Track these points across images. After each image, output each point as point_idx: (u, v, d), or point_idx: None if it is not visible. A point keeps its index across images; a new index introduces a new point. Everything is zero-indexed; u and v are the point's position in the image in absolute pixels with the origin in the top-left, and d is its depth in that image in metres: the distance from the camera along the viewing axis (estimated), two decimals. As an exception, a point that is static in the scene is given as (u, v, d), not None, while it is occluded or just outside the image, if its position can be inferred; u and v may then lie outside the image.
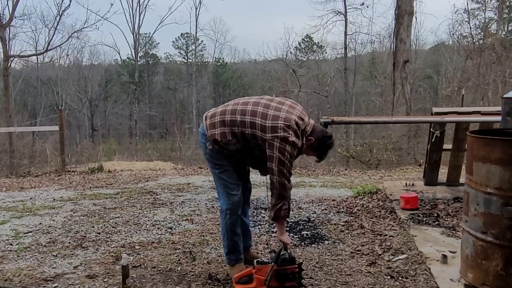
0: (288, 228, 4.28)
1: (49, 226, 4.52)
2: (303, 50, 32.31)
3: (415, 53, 22.47)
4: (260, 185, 6.19)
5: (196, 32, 36.07)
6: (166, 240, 4.00)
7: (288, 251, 2.91)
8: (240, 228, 3.16)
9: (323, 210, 4.96)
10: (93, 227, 4.47)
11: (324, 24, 29.37)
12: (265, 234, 4.10)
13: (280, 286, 2.88)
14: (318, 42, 30.75)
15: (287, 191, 2.82)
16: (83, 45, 32.59)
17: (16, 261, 3.57)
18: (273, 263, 2.82)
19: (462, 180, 5.18)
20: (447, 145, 5.55)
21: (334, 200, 5.41)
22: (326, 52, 31.09)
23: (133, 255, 3.61)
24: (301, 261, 3.03)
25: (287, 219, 3.04)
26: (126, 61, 35.76)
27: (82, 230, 4.35)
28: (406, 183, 5.84)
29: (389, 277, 3.08)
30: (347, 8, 24.47)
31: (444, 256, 3.22)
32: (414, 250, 3.53)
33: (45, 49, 18.71)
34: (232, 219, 3.06)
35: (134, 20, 31.36)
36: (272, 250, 3.02)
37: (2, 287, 3.05)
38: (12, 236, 4.22)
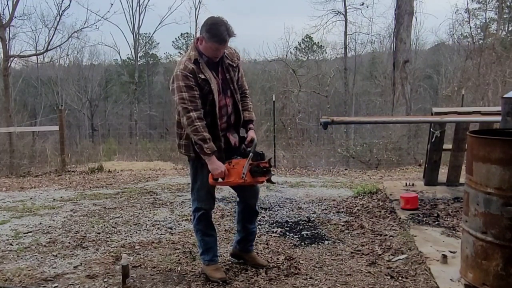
0: (288, 228, 4.29)
1: (49, 226, 4.52)
2: (303, 50, 32.17)
3: (415, 53, 22.46)
4: (259, 185, 6.17)
5: (196, 32, 35.97)
6: (166, 240, 4.00)
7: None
8: (213, 231, 3.20)
9: (323, 210, 4.95)
10: (93, 227, 4.47)
11: (324, 24, 29.30)
12: (265, 234, 4.10)
13: (254, 181, 2.92)
14: (318, 42, 30.66)
15: (187, 127, 2.85)
16: (83, 45, 32.42)
17: (16, 261, 3.58)
18: (250, 155, 2.84)
19: (462, 180, 5.18)
20: (447, 145, 5.55)
21: (334, 200, 5.41)
22: (326, 52, 30.98)
23: (133, 255, 3.61)
24: (270, 157, 3.04)
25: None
26: (126, 61, 35.67)
27: (82, 230, 4.35)
28: (406, 183, 5.84)
29: (389, 277, 3.08)
30: (347, 8, 24.42)
31: (444, 256, 3.22)
32: (414, 250, 3.53)
33: (45, 49, 18.66)
34: (199, 220, 3.12)
35: (134, 20, 31.26)
36: (243, 148, 3.01)
37: (2, 287, 3.05)
38: (12, 236, 4.22)
